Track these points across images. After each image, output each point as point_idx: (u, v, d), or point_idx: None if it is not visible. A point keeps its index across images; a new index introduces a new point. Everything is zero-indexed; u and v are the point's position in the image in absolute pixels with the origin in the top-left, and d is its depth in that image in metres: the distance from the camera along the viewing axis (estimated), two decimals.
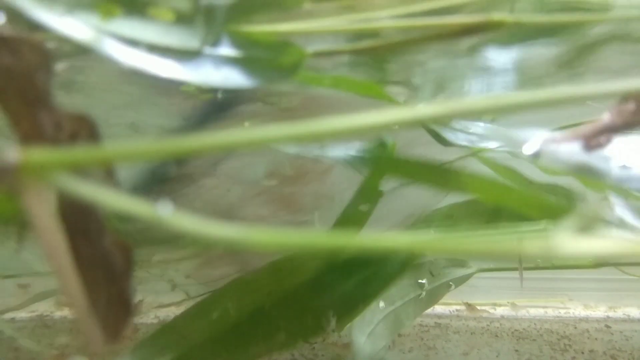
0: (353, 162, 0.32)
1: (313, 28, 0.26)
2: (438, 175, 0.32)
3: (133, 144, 0.18)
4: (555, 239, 0.15)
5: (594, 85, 0.21)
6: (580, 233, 0.15)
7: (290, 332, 0.35)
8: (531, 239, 0.15)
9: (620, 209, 0.34)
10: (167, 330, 0.38)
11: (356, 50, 0.25)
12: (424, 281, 0.61)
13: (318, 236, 0.17)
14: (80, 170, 0.19)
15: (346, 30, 0.26)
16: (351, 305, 0.38)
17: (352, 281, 0.38)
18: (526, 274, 0.74)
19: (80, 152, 0.17)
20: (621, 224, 0.33)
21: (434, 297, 0.61)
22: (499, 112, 0.27)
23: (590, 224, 0.15)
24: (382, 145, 0.36)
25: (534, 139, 0.28)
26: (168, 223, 0.17)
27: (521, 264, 0.59)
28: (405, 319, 0.58)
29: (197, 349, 0.34)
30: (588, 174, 0.26)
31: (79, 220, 0.22)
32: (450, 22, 0.23)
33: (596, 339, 0.63)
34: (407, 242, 0.17)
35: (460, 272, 0.65)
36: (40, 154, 0.16)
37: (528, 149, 0.28)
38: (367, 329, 0.54)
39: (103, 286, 0.24)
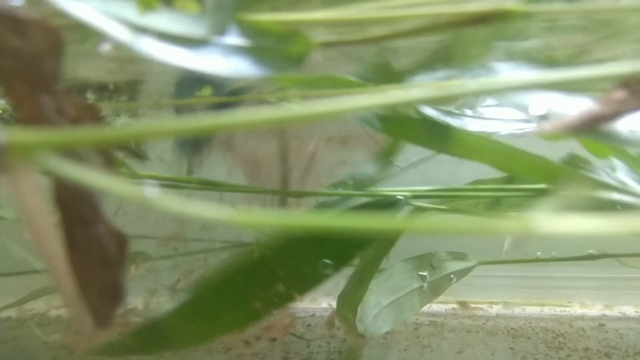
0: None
1: (321, 17, 0.26)
2: (445, 136, 0.33)
3: (123, 127, 0.18)
4: (534, 218, 0.15)
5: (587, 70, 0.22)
6: (560, 213, 0.15)
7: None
8: (510, 218, 0.16)
9: (622, 174, 0.34)
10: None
11: (364, 40, 0.25)
12: (425, 273, 0.62)
13: (298, 218, 0.17)
14: (75, 154, 0.19)
15: (354, 20, 0.26)
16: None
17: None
18: (523, 272, 0.75)
19: (67, 134, 0.17)
20: (623, 188, 0.33)
21: (436, 289, 0.62)
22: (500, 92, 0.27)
23: (571, 204, 0.15)
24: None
25: (540, 103, 0.28)
26: (154, 204, 0.17)
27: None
28: (409, 309, 0.58)
29: (199, 298, 0.34)
30: (593, 136, 0.26)
31: (75, 206, 0.23)
32: (460, 10, 0.23)
33: (591, 337, 0.63)
34: (368, 223, 0.17)
35: (461, 265, 0.65)
36: (26, 135, 0.16)
37: (535, 111, 0.28)
38: (372, 312, 0.55)
39: (95, 272, 0.24)
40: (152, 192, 0.17)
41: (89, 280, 0.24)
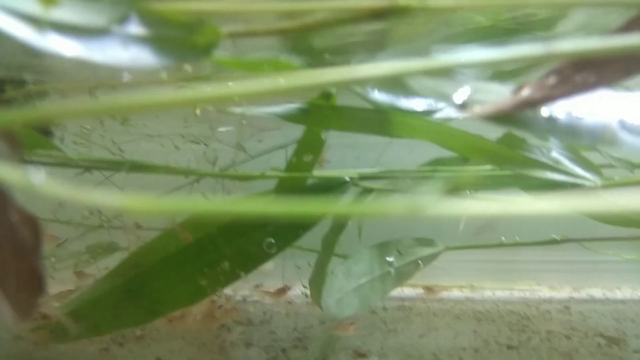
0: (293, 116, 0.32)
1: (229, 8, 0.25)
2: (383, 121, 0.33)
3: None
4: (420, 200, 0.15)
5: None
6: (445, 195, 0.15)
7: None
8: (399, 201, 0.15)
9: (556, 153, 0.35)
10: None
11: (274, 31, 0.25)
12: (391, 259, 0.62)
13: (197, 204, 0.17)
14: None
15: (265, 11, 0.26)
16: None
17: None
18: (494, 256, 0.75)
19: None
20: (556, 166, 0.34)
21: (403, 275, 0.62)
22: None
23: (455, 188, 0.15)
24: (325, 96, 0.36)
25: (463, 92, 0.27)
26: (40, 190, 0.16)
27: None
28: (374, 294, 0.58)
29: (146, 272, 0.34)
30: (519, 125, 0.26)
31: None
32: (355, 5, 0.22)
33: (555, 319, 0.63)
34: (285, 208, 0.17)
35: (428, 250, 0.65)
36: None
37: (458, 99, 0.27)
38: (336, 295, 0.55)
39: (11, 262, 0.24)
40: (38, 178, 0.16)
41: (5, 271, 0.23)
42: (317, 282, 0.57)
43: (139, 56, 0.21)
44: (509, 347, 0.55)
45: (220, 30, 0.25)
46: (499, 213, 0.16)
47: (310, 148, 0.41)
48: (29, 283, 0.24)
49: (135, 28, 0.22)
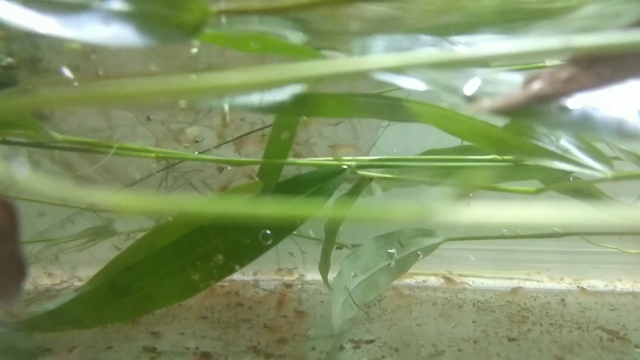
0: (287, 107, 0.31)
1: None
2: (385, 106, 0.31)
3: None
4: (429, 206, 0.14)
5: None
6: (454, 201, 0.14)
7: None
8: (409, 206, 0.15)
9: (565, 142, 0.33)
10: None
11: (268, 9, 0.24)
12: (393, 251, 0.62)
13: (181, 202, 0.16)
14: None
15: None
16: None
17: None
18: (494, 245, 0.75)
19: None
20: (565, 156, 0.33)
21: (403, 266, 0.62)
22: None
23: (464, 194, 0.14)
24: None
25: (473, 83, 0.26)
26: (23, 184, 0.15)
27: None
28: (375, 288, 0.58)
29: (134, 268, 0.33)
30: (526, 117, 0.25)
31: None
32: None
33: (554, 311, 0.63)
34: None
35: (428, 241, 0.65)
36: None
37: (467, 91, 0.26)
38: (341, 298, 0.54)
39: None
40: (20, 172, 0.16)
41: None
42: (324, 267, 0.57)
43: (121, 33, 0.20)
44: (510, 339, 0.54)
45: (210, 7, 0.23)
46: (506, 220, 0.15)
47: (286, 125, 0.39)
48: (9, 267, 0.23)
49: (117, 3, 0.21)
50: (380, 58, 0.18)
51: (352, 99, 0.30)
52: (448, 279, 0.76)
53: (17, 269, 0.22)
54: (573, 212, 0.15)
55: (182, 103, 0.40)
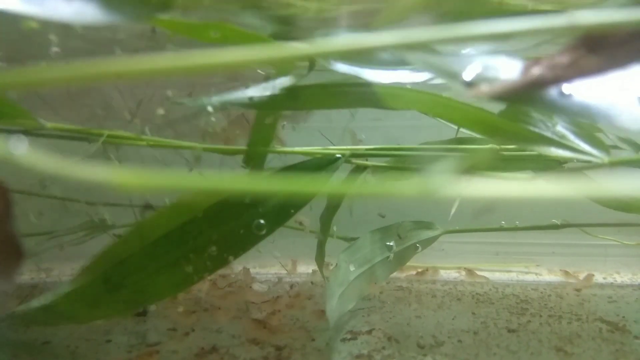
0: (278, 101, 0.30)
1: None
2: (377, 94, 0.31)
3: None
4: (431, 181, 0.14)
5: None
6: (456, 176, 0.14)
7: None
8: (411, 181, 0.14)
9: (562, 127, 0.33)
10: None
11: None
12: (392, 243, 0.61)
13: (189, 179, 0.16)
14: None
15: None
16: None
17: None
18: (493, 238, 0.75)
19: None
20: (562, 141, 0.32)
21: (401, 259, 0.62)
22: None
23: (466, 169, 0.14)
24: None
25: (470, 69, 0.26)
26: (21, 162, 0.15)
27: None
28: (374, 280, 0.58)
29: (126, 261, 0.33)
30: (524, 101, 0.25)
31: None
32: None
33: (554, 302, 0.63)
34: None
35: (427, 234, 0.65)
36: None
37: (466, 76, 0.26)
38: (338, 290, 0.54)
39: None
40: (19, 149, 0.15)
41: None
42: (320, 258, 0.57)
43: (83, 10, 0.20)
44: (509, 331, 0.54)
45: None
46: (507, 195, 0.15)
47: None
48: (6, 248, 0.23)
49: None
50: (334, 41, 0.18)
51: (342, 89, 0.30)
52: (448, 271, 0.76)
53: (14, 249, 0.22)
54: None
55: None
